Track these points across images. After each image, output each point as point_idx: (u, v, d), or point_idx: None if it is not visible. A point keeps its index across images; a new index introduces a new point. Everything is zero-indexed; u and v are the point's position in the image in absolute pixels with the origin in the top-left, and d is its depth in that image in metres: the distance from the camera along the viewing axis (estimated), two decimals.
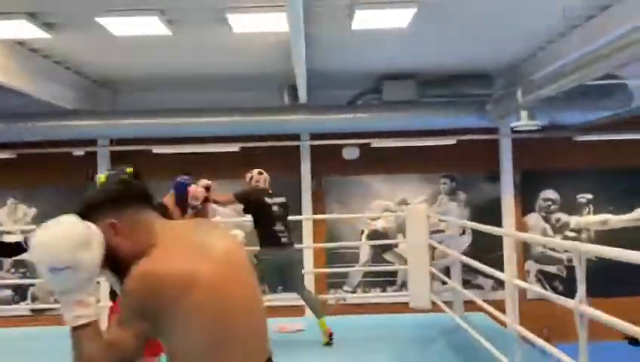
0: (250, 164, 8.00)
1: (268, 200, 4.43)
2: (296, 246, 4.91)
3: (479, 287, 8.13)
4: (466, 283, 6.77)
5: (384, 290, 8.23)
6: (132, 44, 5.46)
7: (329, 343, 4.34)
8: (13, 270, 8.14)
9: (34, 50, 5.86)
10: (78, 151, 8.24)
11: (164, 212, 3.06)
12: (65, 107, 7.03)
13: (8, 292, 8.11)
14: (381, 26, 5.21)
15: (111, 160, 8.28)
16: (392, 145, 8.17)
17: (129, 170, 2.84)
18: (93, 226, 1.26)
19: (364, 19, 4.96)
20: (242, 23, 4.96)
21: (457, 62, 6.86)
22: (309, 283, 7.94)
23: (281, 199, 4.52)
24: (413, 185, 8.46)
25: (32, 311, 7.48)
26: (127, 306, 1.24)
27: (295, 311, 5.95)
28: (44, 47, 5.78)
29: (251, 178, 4.54)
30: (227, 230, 1.64)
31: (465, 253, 6.54)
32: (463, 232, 8.19)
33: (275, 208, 4.42)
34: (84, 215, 1.29)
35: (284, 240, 4.37)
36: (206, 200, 4.07)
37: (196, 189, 3.94)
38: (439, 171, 8.43)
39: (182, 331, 1.24)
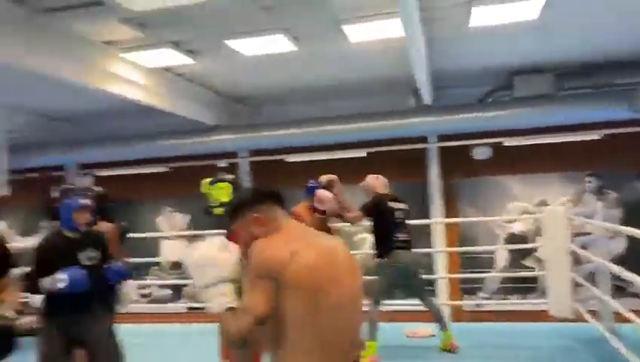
0: (377, 169, 8.15)
1: (392, 205, 4.43)
2: (421, 250, 4.86)
3: (636, 296, 7.32)
4: (621, 291, 6.16)
5: (524, 297, 7.78)
6: (262, 61, 5.83)
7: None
8: (171, 271, 9.09)
9: (179, 75, 6.53)
10: (222, 163, 8.98)
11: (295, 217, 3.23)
12: (207, 123, 7.73)
13: (168, 291, 9.07)
14: (506, 20, 4.98)
15: (250, 170, 8.90)
16: (527, 143, 7.71)
17: (230, 176, 3.09)
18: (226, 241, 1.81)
19: (483, 16, 4.79)
20: (358, 33, 5.07)
21: (599, 50, 6.29)
22: (442, 288, 7.81)
23: (403, 205, 4.51)
24: (552, 185, 7.88)
25: (189, 308, 8.26)
26: (252, 272, 1.64)
27: (426, 315, 5.87)
28: (187, 71, 6.42)
29: (370, 185, 4.49)
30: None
31: (618, 258, 5.93)
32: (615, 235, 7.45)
33: (397, 213, 4.41)
34: (234, 213, 1.80)
35: (405, 244, 4.35)
36: (339, 216, 4.18)
37: (322, 193, 4.09)
38: (582, 169, 7.75)
39: (284, 298, 1.60)
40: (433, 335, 4.68)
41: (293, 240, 1.67)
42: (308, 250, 1.65)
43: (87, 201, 3.15)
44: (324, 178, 4.06)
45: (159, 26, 4.87)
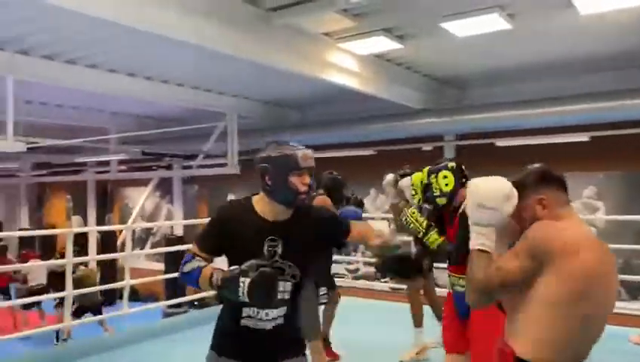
0: (602, 156, 7.32)
1: None
2: None
3: None
4: None
5: None
6: (473, 42, 5.62)
7: None
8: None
9: (388, 60, 6.65)
10: (427, 147, 8.96)
11: None
12: (415, 107, 7.76)
13: (372, 269, 9.46)
14: None
15: (456, 154, 8.71)
16: None
17: (452, 164, 2.91)
18: (515, 191, 1.70)
19: None
20: (590, 4, 4.55)
21: None
22: None
23: None
24: None
25: (391, 288, 8.52)
26: (523, 246, 1.62)
27: None
28: (396, 56, 6.50)
29: None
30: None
31: None
32: None
33: None
34: (520, 188, 1.72)
35: None
36: None
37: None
38: None
39: (553, 281, 1.56)
40: None
41: (574, 230, 1.64)
42: (588, 245, 1.61)
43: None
44: None
45: (373, 14, 5.01)
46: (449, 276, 2.79)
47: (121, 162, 12.34)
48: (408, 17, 5.18)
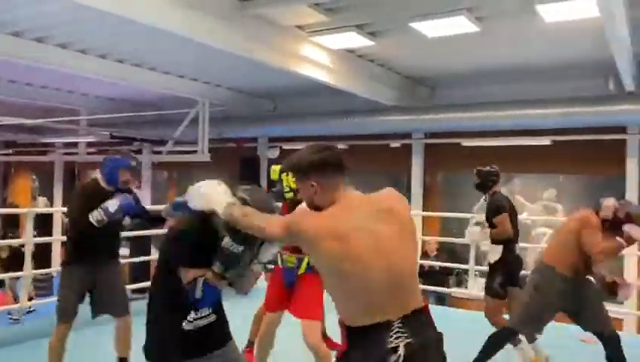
0: (564, 159, 7.58)
1: None
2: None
3: None
4: None
5: None
6: (443, 43, 5.76)
7: None
8: None
9: (360, 56, 6.75)
10: (395, 144, 9.11)
11: None
12: (386, 104, 7.88)
13: None
14: None
15: (424, 152, 8.89)
16: None
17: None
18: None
19: None
20: (553, 13, 4.71)
21: None
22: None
23: None
24: None
25: None
26: (287, 220, 1.98)
27: None
28: (368, 52, 6.61)
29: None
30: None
31: None
32: None
33: None
34: (296, 174, 2.04)
35: None
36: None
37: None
38: None
39: (322, 266, 1.89)
40: None
41: (334, 217, 1.87)
42: (349, 226, 1.84)
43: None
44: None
45: (345, 9, 5.09)
46: (281, 255, 3.56)
47: (90, 144, 12.18)
48: (380, 15, 5.28)
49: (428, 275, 7.58)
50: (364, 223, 1.85)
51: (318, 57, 6.15)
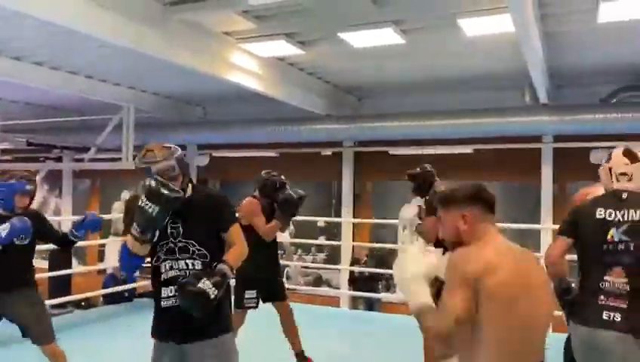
0: (484, 167, 7.94)
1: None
2: None
3: None
4: None
5: None
6: (370, 53, 5.88)
7: None
8: None
9: (290, 64, 6.77)
10: (326, 152, 9.20)
11: None
12: (316, 112, 7.94)
13: None
14: (637, 16, 4.59)
15: (354, 160, 9.03)
16: None
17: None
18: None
19: (612, 12, 4.45)
20: (474, 27, 4.94)
21: None
22: None
23: None
24: None
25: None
26: (450, 277, 1.71)
27: None
28: (298, 61, 6.64)
29: None
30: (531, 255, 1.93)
31: None
32: None
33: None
34: (447, 202, 1.87)
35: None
36: None
37: None
38: None
39: (480, 304, 1.64)
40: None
41: (488, 252, 1.73)
42: (504, 264, 1.70)
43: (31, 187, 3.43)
44: None
45: (274, 17, 5.09)
46: None
47: (4, 151, 11.43)
48: (308, 24, 5.31)
49: (358, 281, 7.69)
50: (521, 258, 1.81)
51: (248, 64, 6.10)
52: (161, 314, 2.38)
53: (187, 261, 2.36)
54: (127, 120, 8.65)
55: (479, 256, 1.70)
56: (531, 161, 7.72)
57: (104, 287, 7.37)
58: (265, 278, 4.14)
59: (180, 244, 2.37)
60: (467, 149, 7.97)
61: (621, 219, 2.44)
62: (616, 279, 2.38)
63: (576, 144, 7.36)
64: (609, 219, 2.46)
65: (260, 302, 4.14)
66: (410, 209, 4.25)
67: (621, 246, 2.40)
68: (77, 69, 7.16)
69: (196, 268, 2.34)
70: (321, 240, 10.29)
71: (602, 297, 2.39)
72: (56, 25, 4.23)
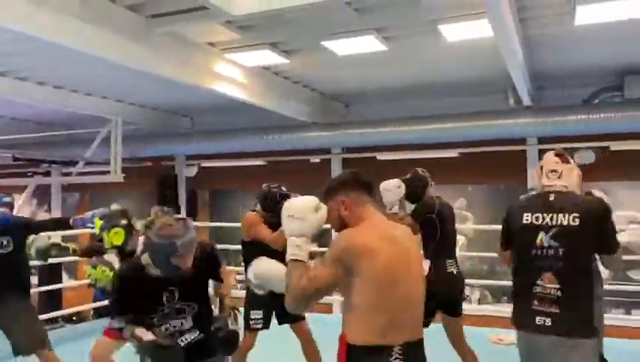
0: (470, 170, 8.01)
1: None
2: None
3: None
4: None
5: (628, 312, 7.28)
6: (353, 61, 5.94)
7: None
8: None
9: (276, 73, 6.81)
10: (315, 159, 9.24)
11: None
12: (303, 120, 7.98)
13: None
14: (615, 18, 4.68)
15: (343, 166, 9.07)
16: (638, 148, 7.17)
17: (125, 223, 3.30)
18: (323, 205, 1.99)
19: (589, 15, 4.54)
20: (454, 32, 5.02)
21: None
22: None
23: None
24: None
25: None
26: (330, 254, 1.88)
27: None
28: (283, 70, 6.68)
29: None
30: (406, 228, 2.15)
31: None
32: None
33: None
34: (327, 193, 2.03)
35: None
36: None
37: None
38: None
39: (359, 286, 1.81)
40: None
41: (372, 233, 1.88)
42: (385, 248, 1.84)
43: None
44: None
45: (258, 28, 5.14)
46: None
47: None
48: (292, 33, 5.36)
49: None
50: (400, 238, 1.95)
51: (233, 74, 6.14)
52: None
53: (182, 320, 2.46)
54: (115, 133, 8.64)
55: (357, 240, 1.86)
56: (517, 164, 7.79)
57: (95, 301, 7.33)
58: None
59: (177, 306, 2.44)
60: (453, 153, 8.05)
61: (550, 223, 2.44)
62: (547, 284, 2.40)
63: (560, 145, 7.44)
64: (537, 223, 2.47)
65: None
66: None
67: (551, 252, 2.42)
68: (63, 83, 7.16)
69: (188, 324, 2.47)
70: (314, 247, 10.28)
71: (535, 302, 2.43)
72: (39, 39, 4.24)
